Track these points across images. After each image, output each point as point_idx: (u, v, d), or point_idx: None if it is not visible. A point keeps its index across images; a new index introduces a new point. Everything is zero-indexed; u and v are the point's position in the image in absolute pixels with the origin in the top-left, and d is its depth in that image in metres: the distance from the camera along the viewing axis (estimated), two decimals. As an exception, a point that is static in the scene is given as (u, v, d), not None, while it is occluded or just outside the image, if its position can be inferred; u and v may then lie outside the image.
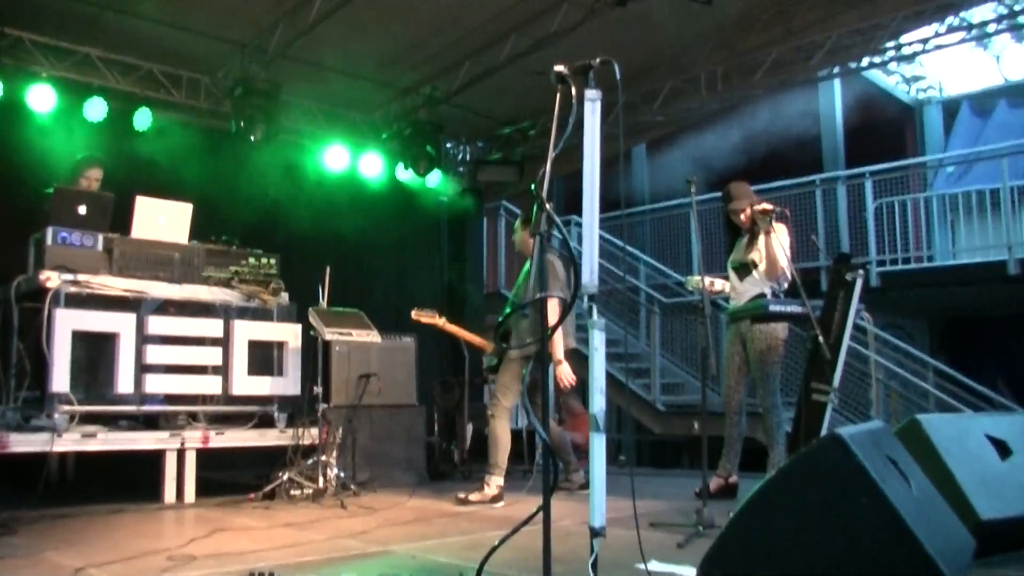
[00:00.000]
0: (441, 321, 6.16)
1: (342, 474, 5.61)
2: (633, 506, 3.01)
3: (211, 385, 5.63)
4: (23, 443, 4.77)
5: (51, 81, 6.80)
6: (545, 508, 2.42)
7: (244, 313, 5.87)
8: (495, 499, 5.41)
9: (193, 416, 5.61)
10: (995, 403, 8.65)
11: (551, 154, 2.55)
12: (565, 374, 5.36)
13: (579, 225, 2.68)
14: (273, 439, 5.75)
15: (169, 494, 5.25)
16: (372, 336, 5.98)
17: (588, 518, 2.46)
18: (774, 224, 5.10)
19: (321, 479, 5.50)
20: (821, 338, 4.56)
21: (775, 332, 5.31)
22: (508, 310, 6.18)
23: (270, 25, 6.91)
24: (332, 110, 8.68)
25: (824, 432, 4.47)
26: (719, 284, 5.50)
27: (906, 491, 2.76)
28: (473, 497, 5.37)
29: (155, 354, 5.39)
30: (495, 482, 5.44)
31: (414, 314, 6.12)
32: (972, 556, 2.97)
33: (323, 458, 5.53)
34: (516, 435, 7.79)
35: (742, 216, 5.40)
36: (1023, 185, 10.02)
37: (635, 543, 3.01)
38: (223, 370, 5.66)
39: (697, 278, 4.96)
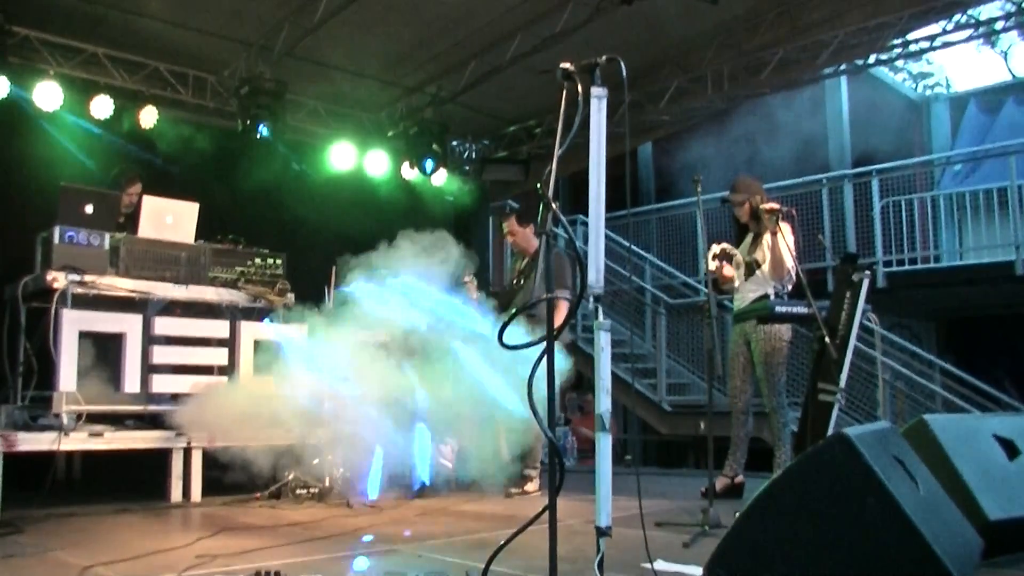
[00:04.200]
0: None
1: (348, 473, 5.61)
2: (639, 505, 3.01)
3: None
4: (30, 442, 4.77)
5: (58, 79, 6.83)
6: (551, 507, 2.41)
7: (250, 313, 5.87)
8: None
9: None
10: (1002, 403, 8.61)
11: (557, 152, 2.54)
12: None
13: (585, 224, 2.68)
14: (279, 438, 5.74)
15: (175, 493, 5.26)
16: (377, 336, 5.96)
17: (594, 517, 2.46)
18: (779, 224, 5.09)
19: (327, 478, 5.50)
20: (827, 338, 4.55)
21: (779, 333, 5.30)
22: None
23: (276, 24, 6.93)
24: (338, 109, 8.69)
25: (831, 432, 4.45)
26: (728, 271, 5.47)
27: (913, 491, 2.75)
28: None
29: (161, 354, 5.40)
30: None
31: None
32: (980, 556, 2.96)
33: (328, 457, 5.53)
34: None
35: (740, 210, 5.40)
36: (1031, 184, 9.97)
37: (641, 543, 3.00)
38: (229, 370, 5.67)
39: (714, 260, 5.19)
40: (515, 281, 6.16)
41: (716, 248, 5.37)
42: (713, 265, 5.32)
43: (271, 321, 5.83)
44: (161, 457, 5.32)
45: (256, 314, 5.89)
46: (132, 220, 5.89)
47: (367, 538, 4.05)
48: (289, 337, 5.64)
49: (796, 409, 5.85)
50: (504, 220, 6.20)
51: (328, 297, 5.96)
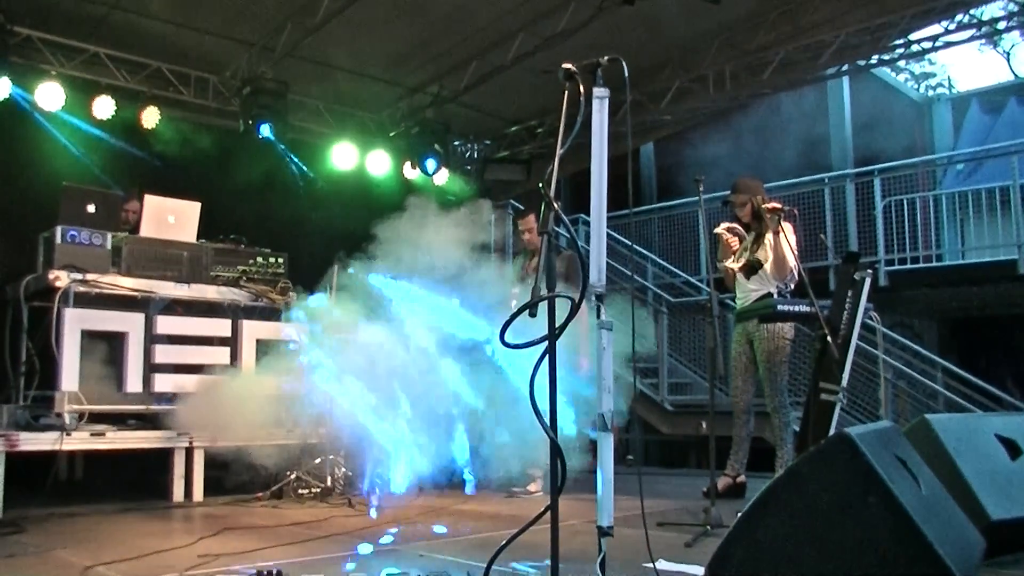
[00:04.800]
0: None
1: (350, 473, 5.62)
2: (641, 505, 3.00)
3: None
4: (32, 442, 4.79)
5: (60, 79, 6.83)
6: (553, 507, 2.41)
7: (252, 312, 5.88)
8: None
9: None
10: (1004, 403, 8.60)
11: (558, 152, 2.54)
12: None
13: (586, 224, 2.68)
14: (282, 438, 5.75)
15: (177, 493, 5.27)
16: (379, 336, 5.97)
17: (596, 517, 2.46)
18: (781, 223, 5.08)
19: (329, 478, 5.51)
20: (829, 338, 4.54)
21: (782, 332, 5.30)
22: None
23: (278, 24, 6.93)
24: (340, 109, 8.69)
25: (832, 432, 4.45)
26: (734, 243, 5.48)
27: (915, 491, 2.74)
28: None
29: (164, 354, 5.42)
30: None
31: None
32: (982, 557, 2.96)
33: (331, 457, 5.54)
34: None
35: (742, 211, 5.41)
36: (1033, 184, 9.96)
37: (643, 542, 3.00)
38: (231, 369, 5.67)
39: (728, 234, 5.34)
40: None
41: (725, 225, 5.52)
42: (723, 229, 5.44)
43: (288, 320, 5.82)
44: (163, 457, 5.32)
45: (258, 313, 5.90)
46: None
47: (369, 537, 4.05)
48: (307, 334, 5.64)
49: (798, 409, 5.84)
50: (520, 219, 6.25)
51: (330, 296, 5.97)
